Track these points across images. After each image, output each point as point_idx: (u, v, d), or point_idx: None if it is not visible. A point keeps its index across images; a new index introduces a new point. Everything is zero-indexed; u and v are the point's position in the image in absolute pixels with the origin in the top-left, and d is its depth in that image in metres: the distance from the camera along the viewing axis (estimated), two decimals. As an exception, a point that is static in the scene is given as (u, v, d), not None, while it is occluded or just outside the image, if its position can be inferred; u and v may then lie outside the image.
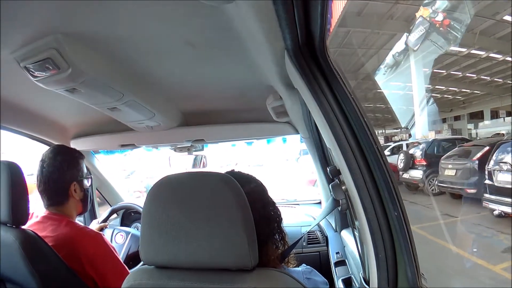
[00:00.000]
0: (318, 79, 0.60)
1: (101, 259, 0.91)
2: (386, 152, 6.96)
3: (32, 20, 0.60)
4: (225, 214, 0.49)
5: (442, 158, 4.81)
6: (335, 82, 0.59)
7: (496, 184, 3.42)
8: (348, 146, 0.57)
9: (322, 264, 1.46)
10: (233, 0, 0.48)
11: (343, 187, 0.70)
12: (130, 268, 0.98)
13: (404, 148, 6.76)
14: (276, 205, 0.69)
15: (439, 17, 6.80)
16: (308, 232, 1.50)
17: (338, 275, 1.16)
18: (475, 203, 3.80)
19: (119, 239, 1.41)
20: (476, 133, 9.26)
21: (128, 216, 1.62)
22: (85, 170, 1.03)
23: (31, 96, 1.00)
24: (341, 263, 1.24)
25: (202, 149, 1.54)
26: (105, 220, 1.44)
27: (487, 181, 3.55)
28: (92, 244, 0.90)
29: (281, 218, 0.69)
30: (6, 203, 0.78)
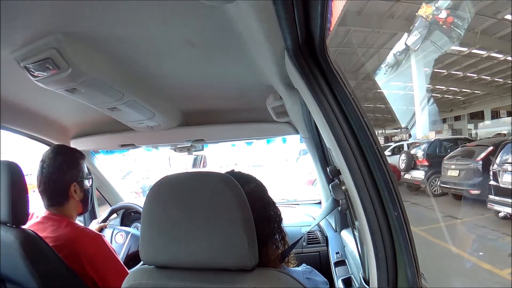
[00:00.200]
0: (318, 79, 0.60)
1: (101, 260, 0.91)
2: (387, 153, 6.91)
3: (32, 20, 0.60)
4: (225, 214, 0.49)
5: (444, 158, 4.75)
6: (335, 82, 0.59)
7: (501, 185, 3.35)
8: (348, 146, 0.57)
9: (322, 264, 1.46)
10: (233, 0, 0.48)
11: (343, 187, 0.70)
12: (130, 268, 0.98)
13: (405, 148, 6.72)
14: (276, 205, 0.69)
15: (443, 15, 6.65)
16: (308, 232, 1.50)
17: (338, 275, 1.16)
18: (479, 204, 3.72)
19: (119, 239, 1.41)
20: (476, 133, 9.25)
21: (128, 216, 1.62)
22: (85, 171, 1.02)
23: (31, 96, 1.00)
24: (341, 263, 1.24)
25: (202, 149, 1.54)
26: (104, 220, 1.44)
27: (492, 182, 3.48)
28: (92, 245, 0.90)
29: (281, 218, 0.69)
30: (6, 203, 0.78)
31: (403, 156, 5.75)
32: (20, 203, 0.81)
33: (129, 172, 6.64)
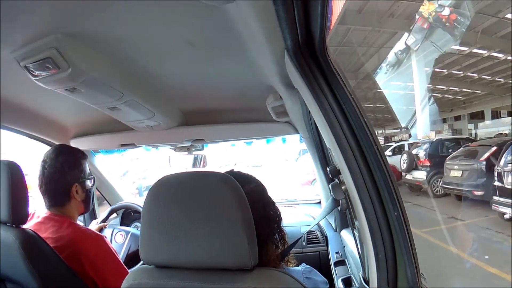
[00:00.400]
0: (318, 79, 0.60)
1: (102, 261, 0.91)
2: (388, 153, 6.87)
3: (32, 19, 0.60)
4: (225, 214, 0.49)
5: (447, 158, 4.67)
6: (335, 82, 0.59)
7: (506, 186, 3.27)
8: (348, 146, 0.57)
9: (321, 264, 1.46)
10: (233, 0, 0.48)
11: (343, 187, 0.70)
12: (130, 268, 0.98)
13: (406, 148, 6.66)
14: (276, 205, 0.69)
15: (446, 12, 6.47)
16: (307, 231, 1.50)
17: (338, 274, 1.16)
18: (483, 205, 3.65)
19: (119, 239, 1.41)
20: (476, 133, 9.23)
21: (128, 215, 1.62)
22: (87, 171, 1.02)
23: (31, 96, 1.00)
24: (340, 263, 1.24)
25: (202, 149, 1.54)
26: (104, 220, 1.44)
27: (496, 183, 3.40)
28: (93, 246, 0.90)
29: (281, 218, 0.69)
30: (6, 202, 0.78)
31: (404, 156, 5.68)
32: (20, 203, 0.81)
33: (125, 172, 6.62)
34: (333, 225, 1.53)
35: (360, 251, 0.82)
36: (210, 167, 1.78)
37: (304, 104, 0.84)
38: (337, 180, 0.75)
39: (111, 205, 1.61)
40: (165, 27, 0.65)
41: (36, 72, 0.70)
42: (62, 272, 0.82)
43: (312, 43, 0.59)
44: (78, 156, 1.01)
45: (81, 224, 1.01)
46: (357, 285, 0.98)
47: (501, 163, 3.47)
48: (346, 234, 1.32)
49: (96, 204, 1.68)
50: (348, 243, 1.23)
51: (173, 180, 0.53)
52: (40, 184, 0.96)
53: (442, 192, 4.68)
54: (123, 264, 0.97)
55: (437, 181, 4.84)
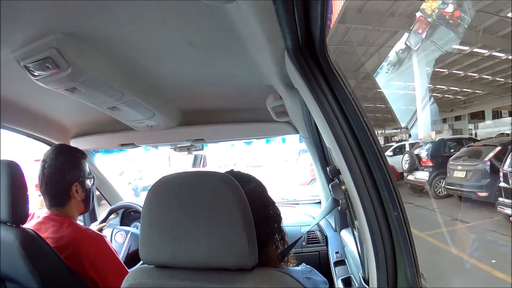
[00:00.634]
0: (318, 79, 0.60)
1: (102, 261, 0.91)
2: (388, 153, 6.82)
3: (32, 19, 0.60)
4: (225, 214, 0.49)
5: (450, 159, 4.56)
6: (335, 82, 0.59)
7: None
8: (348, 146, 0.57)
9: (321, 264, 1.46)
10: (234, 0, 0.48)
11: (342, 187, 0.70)
12: (130, 267, 0.98)
13: (407, 148, 6.60)
14: (276, 204, 0.69)
15: (449, 8, 6.30)
16: (307, 231, 1.50)
17: (338, 274, 1.16)
18: (487, 207, 3.55)
19: (118, 238, 1.41)
20: (476, 134, 9.21)
21: (127, 215, 1.62)
22: (87, 170, 1.02)
23: (31, 96, 1.00)
24: (340, 262, 1.24)
25: (202, 149, 1.54)
26: (104, 221, 1.44)
27: (502, 184, 3.29)
28: (94, 246, 0.90)
29: (281, 218, 0.69)
30: (6, 202, 0.78)
31: (406, 157, 5.57)
32: (20, 202, 0.81)
33: (121, 173, 6.61)
34: (333, 225, 1.53)
35: (360, 251, 0.82)
36: (209, 168, 1.78)
37: (304, 104, 0.84)
38: (337, 180, 0.75)
39: (110, 205, 1.61)
40: (165, 27, 0.65)
41: (36, 72, 0.70)
42: (62, 271, 0.82)
43: (312, 43, 0.59)
44: (78, 156, 1.01)
45: (81, 224, 1.01)
46: (357, 285, 0.98)
47: (507, 163, 3.38)
48: (346, 234, 1.32)
49: (96, 204, 1.68)
50: (348, 243, 1.23)
51: (173, 180, 0.53)
52: (40, 184, 0.96)
53: (445, 193, 4.59)
54: (123, 264, 0.98)
55: (440, 181, 4.74)
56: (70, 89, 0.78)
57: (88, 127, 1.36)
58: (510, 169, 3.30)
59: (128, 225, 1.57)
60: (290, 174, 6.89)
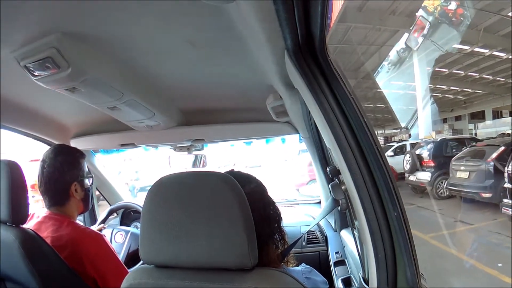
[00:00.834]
0: (318, 79, 0.60)
1: (102, 260, 0.91)
2: (389, 153, 6.79)
3: (32, 19, 0.60)
4: (225, 214, 0.49)
5: (453, 159, 4.48)
6: (335, 82, 0.59)
7: None
8: (348, 146, 0.57)
9: (321, 264, 1.46)
10: (234, 0, 0.48)
11: (342, 187, 0.70)
12: (130, 267, 0.98)
13: (408, 148, 6.54)
14: (276, 204, 0.69)
15: (452, 6, 6.19)
16: (307, 231, 1.50)
17: (338, 274, 1.16)
18: (491, 208, 3.48)
19: (118, 238, 1.41)
20: (475, 134, 9.20)
21: (127, 215, 1.62)
22: (86, 170, 1.02)
23: (31, 95, 1.00)
24: (340, 262, 1.24)
25: (202, 149, 1.54)
26: (103, 221, 1.44)
27: (507, 185, 3.21)
28: (93, 245, 0.90)
29: (281, 218, 0.69)
30: (6, 202, 0.78)
31: (407, 157, 5.50)
32: (20, 202, 0.81)
33: (119, 173, 6.59)
34: (333, 225, 1.53)
35: (359, 251, 0.82)
36: (208, 168, 1.78)
37: (304, 104, 0.84)
38: (337, 180, 0.75)
39: (110, 205, 1.61)
40: (165, 27, 0.65)
41: (36, 72, 0.70)
42: (62, 272, 0.82)
43: (312, 43, 0.59)
44: (77, 156, 1.01)
45: (81, 223, 1.01)
46: (356, 285, 0.98)
47: (511, 164, 3.31)
48: (345, 234, 1.32)
49: (96, 204, 1.68)
50: (348, 243, 1.23)
51: (173, 180, 0.53)
52: (39, 184, 0.96)
53: (447, 193, 4.51)
54: (123, 264, 0.98)
55: (442, 182, 4.66)
56: (70, 89, 0.78)
57: (88, 127, 1.36)
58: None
59: (128, 225, 1.57)
60: (289, 174, 6.87)
